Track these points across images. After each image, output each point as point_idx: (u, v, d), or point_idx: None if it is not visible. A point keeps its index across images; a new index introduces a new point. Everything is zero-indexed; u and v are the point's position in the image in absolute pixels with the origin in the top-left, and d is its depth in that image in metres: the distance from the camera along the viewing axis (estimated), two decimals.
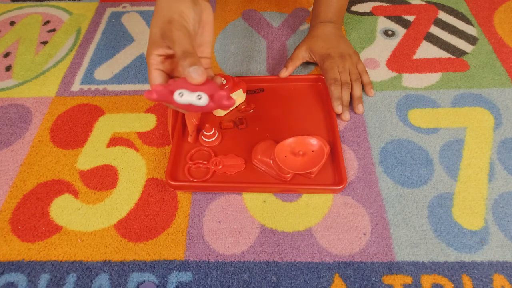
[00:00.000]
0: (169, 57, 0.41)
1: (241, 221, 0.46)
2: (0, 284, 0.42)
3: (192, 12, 0.39)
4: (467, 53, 0.64)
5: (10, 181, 0.51)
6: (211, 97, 0.36)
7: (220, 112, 0.55)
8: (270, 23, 0.72)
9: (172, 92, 0.37)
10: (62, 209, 0.48)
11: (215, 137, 0.52)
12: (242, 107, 0.56)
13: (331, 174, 0.49)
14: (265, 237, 0.45)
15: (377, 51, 0.66)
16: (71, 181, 0.51)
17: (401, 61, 0.64)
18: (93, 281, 0.43)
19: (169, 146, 0.54)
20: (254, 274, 0.42)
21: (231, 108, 0.56)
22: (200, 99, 0.36)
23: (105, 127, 0.57)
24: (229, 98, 0.36)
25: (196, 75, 0.35)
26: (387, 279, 0.42)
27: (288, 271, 0.43)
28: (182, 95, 0.36)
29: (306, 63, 0.64)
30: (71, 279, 0.43)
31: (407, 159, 0.51)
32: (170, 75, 0.41)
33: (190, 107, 0.37)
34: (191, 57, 0.36)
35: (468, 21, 0.70)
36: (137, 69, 0.65)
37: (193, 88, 0.36)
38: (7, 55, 0.68)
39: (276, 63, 0.65)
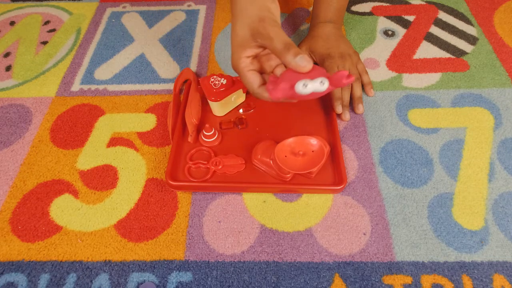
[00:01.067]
0: (255, 57, 0.41)
1: (241, 221, 0.46)
2: (0, 284, 0.42)
3: (275, 7, 0.40)
4: (467, 53, 0.64)
5: (10, 181, 0.51)
6: (330, 79, 0.37)
7: (220, 112, 0.55)
8: None
9: (292, 87, 0.37)
10: (62, 209, 0.48)
11: (215, 137, 0.52)
12: (242, 107, 0.56)
13: (331, 174, 0.49)
14: (265, 237, 0.45)
15: (377, 51, 0.66)
16: (71, 181, 0.51)
17: (401, 61, 0.64)
18: (93, 281, 0.43)
19: (169, 146, 0.54)
20: (254, 274, 0.42)
21: (231, 108, 0.56)
22: (323, 84, 0.36)
23: (105, 127, 0.57)
24: (349, 75, 0.37)
25: (305, 62, 0.36)
26: (387, 279, 0.42)
27: (288, 271, 0.43)
28: (306, 86, 0.36)
29: None
30: (71, 279, 0.43)
31: (407, 159, 0.51)
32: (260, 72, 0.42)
33: (311, 95, 0.37)
34: (294, 47, 0.36)
35: (468, 21, 0.70)
36: (137, 69, 0.65)
37: (309, 76, 0.36)
38: (7, 55, 0.68)
39: None
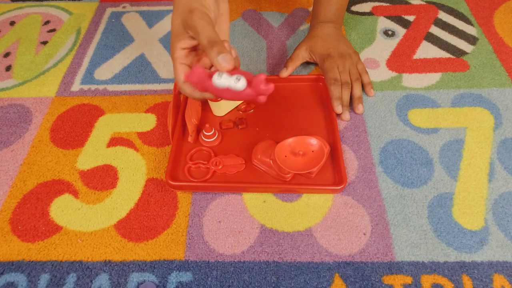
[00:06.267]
0: (193, 49, 0.40)
1: (241, 221, 0.46)
2: (0, 284, 0.43)
3: (212, 0, 0.39)
4: (467, 53, 0.64)
5: (10, 181, 0.51)
6: (249, 82, 0.36)
7: (220, 112, 0.55)
8: (270, 23, 0.72)
9: (210, 76, 0.36)
10: (62, 209, 0.48)
11: (215, 137, 0.52)
12: (242, 107, 0.56)
13: (331, 174, 0.49)
14: (265, 237, 0.45)
15: (377, 51, 0.66)
16: (71, 181, 0.51)
17: (401, 61, 0.64)
18: (93, 281, 0.43)
19: (169, 146, 0.54)
20: (254, 274, 0.42)
21: (231, 108, 0.56)
22: (238, 81, 0.35)
23: (105, 127, 0.57)
24: (268, 83, 0.36)
25: (225, 63, 0.35)
26: (387, 279, 0.42)
27: (288, 271, 0.43)
28: (221, 77, 0.36)
29: (306, 63, 0.64)
30: (71, 279, 0.43)
31: (407, 159, 0.51)
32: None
33: (227, 92, 0.37)
34: (218, 45, 0.35)
35: (468, 21, 0.70)
36: (137, 69, 0.65)
37: (231, 72, 0.36)
38: (7, 55, 0.68)
39: (276, 63, 0.65)
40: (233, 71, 0.36)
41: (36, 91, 0.62)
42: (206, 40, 0.36)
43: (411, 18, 0.71)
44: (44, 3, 0.79)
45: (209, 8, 0.38)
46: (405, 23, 0.70)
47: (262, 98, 0.37)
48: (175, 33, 0.39)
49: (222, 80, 0.36)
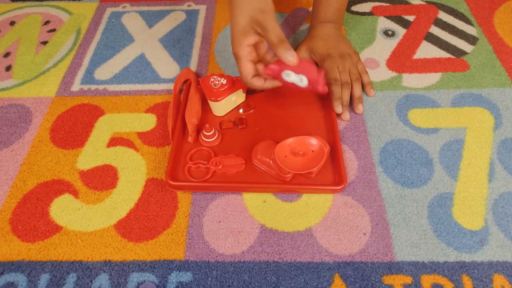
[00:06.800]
0: (255, 46, 0.46)
1: (241, 221, 0.46)
2: (0, 284, 0.43)
3: (271, 1, 0.44)
4: (467, 53, 0.64)
5: (10, 181, 0.51)
6: (309, 80, 0.45)
7: (220, 112, 0.55)
8: None
9: (280, 72, 0.45)
10: (62, 209, 0.48)
11: (215, 137, 0.52)
12: (242, 107, 0.56)
13: (331, 174, 0.49)
14: (265, 237, 0.45)
15: (377, 51, 0.66)
16: (71, 181, 0.51)
17: (401, 61, 0.64)
18: (93, 281, 0.43)
19: (169, 146, 0.54)
20: (254, 274, 0.42)
21: (231, 108, 0.56)
22: (302, 81, 0.45)
23: (105, 127, 0.57)
24: (324, 86, 0.46)
25: (292, 58, 0.42)
26: (387, 279, 0.42)
27: (288, 271, 0.43)
28: (289, 76, 0.45)
29: None
30: (71, 279, 0.43)
31: (407, 159, 0.51)
32: (255, 62, 0.47)
33: (293, 85, 0.46)
34: (286, 42, 0.42)
35: (468, 21, 0.70)
36: (137, 69, 0.65)
37: (296, 70, 0.44)
38: (7, 55, 0.68)
39: None
40: (299, 63, 0.44)
41: (36, 91, 0.62)
42: (276, 38, 0.42)
43: (411, 18, 0.71)
44: (44, 3, 0.79)
45: (273, 9, 0.44)
46: (405, 23, 0.70)
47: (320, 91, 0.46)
48: (241, 30, 0.43)
49: (290, 78, 0.45)
